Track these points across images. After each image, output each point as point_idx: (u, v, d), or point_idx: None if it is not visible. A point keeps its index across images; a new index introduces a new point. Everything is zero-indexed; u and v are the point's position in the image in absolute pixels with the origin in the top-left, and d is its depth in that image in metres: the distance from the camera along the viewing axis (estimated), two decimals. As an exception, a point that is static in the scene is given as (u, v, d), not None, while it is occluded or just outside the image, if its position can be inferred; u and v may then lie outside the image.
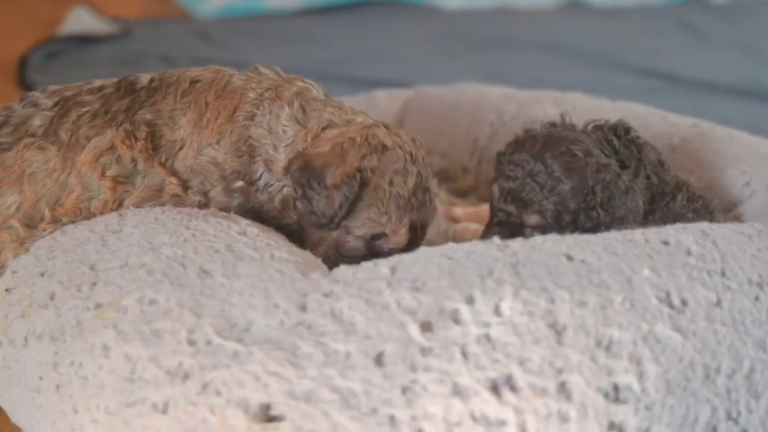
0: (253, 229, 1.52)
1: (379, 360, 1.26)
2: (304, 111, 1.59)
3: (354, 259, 1.50)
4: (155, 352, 1.32)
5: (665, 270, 1.35)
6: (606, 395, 1.26)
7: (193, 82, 1.61)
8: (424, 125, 2.26)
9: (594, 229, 1.60)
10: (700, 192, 1.77)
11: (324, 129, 1.58)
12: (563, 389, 1.26)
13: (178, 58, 3.64)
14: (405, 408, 1.24)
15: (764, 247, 1.44)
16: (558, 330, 1.28)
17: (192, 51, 3.71)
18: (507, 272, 1.33)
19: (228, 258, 1.43)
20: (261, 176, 1.60)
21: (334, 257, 1.56)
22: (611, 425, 1.26)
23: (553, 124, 1.73)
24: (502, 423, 1.24)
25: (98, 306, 1.39)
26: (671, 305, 1.32)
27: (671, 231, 1.43)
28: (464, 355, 1.26)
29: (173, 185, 1.58)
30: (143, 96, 1.60)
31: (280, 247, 1.47)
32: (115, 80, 1.64)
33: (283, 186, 1.59)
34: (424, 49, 3.83)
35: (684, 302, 1.33)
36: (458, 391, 1.25)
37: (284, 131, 1.59)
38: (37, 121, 1.58)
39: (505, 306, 1.29)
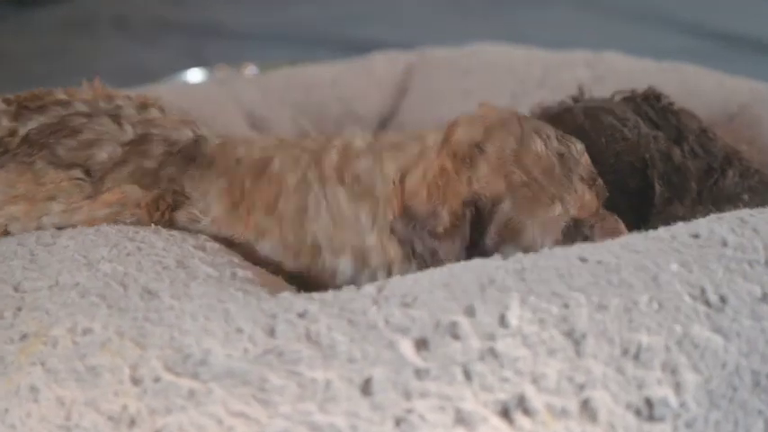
0: (213, 244, 1.43)
1: (366, 388, 1.16)
2: (360, 181, 1.46)
3: None
4: (92, 394, 1.21)
5: (697, 264, 1.25)
6: (638, 412, 1.15)
7: (239, 160, 1.52)
8: (430, 95, 2.13)
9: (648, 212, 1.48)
10: (759, 166, 1.65)
11: (402, 179, 1.43)
12: (586, 408, 1.15)
13: (134, 21, 3.49)
14: (400, 443, 1.14)
15: (819, 230, 1.35)
16: (575, 339, 1.18)
17: (151, 12, 3.56)
18: (511, 278, 1.23)
19: (179, 276, 1.34)
20: (338, 271, 1.47)
21: None
22: (646, 447, 1.16)
23: (574, 99, 1.59)
24: (517, 453, 1.14)
25: (23, 337, 1.30)
26: (707, 303, 1.22)
27: (701, 223, 1.33)
28: (467, 375, 1.15)
29: None
30: (194, 165, 1.53)
31: (243, 265, 1.38)
32: (192, 136, 1.57)
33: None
34: (431, 5, 3.64)
35: (723, 299, 1.23)
36: (462, 419, 1.14)
37: (357, 218, 1.46)
38: (103, 155, 1.52)
39: (512, 315, 1.19)
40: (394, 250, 1.44)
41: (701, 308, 1.21)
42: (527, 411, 1.13)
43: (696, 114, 1.66)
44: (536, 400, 1.14)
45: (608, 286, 1.21)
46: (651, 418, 1.15)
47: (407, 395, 1.14)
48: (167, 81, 2.66)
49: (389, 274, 1.44)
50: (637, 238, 1.30)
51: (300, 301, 1.25)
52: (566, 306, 1.19)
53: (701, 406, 1.16)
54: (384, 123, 2.15)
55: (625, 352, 1.17)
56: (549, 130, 1.42)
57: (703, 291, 1.22)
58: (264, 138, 1.60)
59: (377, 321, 1.19)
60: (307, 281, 1.47)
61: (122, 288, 1.32)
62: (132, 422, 1.18)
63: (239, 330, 1.21)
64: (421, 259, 1.40)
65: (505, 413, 1.13)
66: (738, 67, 2.23)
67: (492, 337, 1.17)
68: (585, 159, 1.42)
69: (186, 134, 1.56)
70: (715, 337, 1.19)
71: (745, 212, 1.36)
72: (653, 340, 1.17)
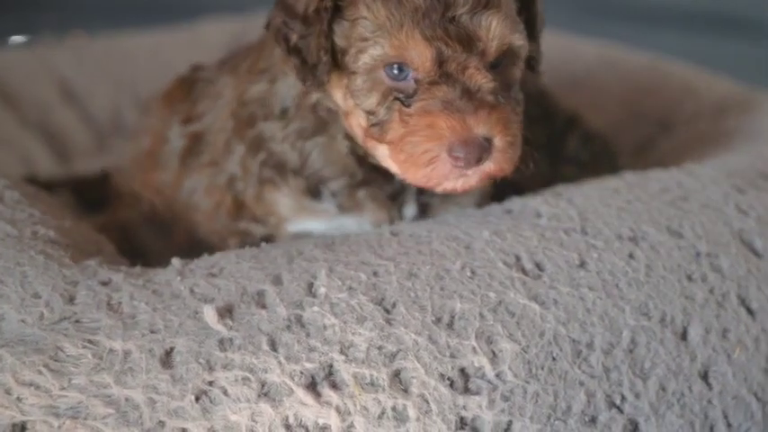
0: (12, 193, 1.37)
1: (166, 360, 1.13)
2: None
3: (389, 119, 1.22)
4: None
5: (511, 233, 1.25)
6: (452, 384, 1.14)
7: None
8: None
9: None
10: (606, 130, 1.65)
11: None
12: (397, 380, 1.13)
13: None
14: (200, 418, 1.10)
15: (636, 198, 1.34)
16: (386, 307, 1.16)
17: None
18: (320, 250, 1.23)
19: (-26, 234, 1.28)
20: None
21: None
22: (462, 422, 1.14)
23: None
24: (323, 430, 1.11)
25: None
26: (523, 270, 1.22)
27: (514, 200, 1.34)
28: (273, 344, 1.13)
29: None
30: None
31: (46, 222, 1.33)
32: None
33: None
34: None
35: (540, 266, 1.22)
36: (266, 393, 1.12)
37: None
38: None
39: (319, 284, 1.18)
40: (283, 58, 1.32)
41: (516, 275, 1.20)
42: (335, 384, 1.11)
43: (536, 77, 1.64)
44: (345, 371, 1.12)
45: (418, 255, 1.21)
46: (466, 390, 1.13)
47: (209, 367, 1.11)
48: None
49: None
50: (448, 216, 1.30)
51: (105, 270, 1.22)
52: (375, 274, 1.18)
53: (519, 377, 1.15)
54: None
55: (438, 320, 1.15)
56: None
57: (518, 258, 1.22)
58: None
59: (181, 291, 1.17)
60: None
61: None
62: None
63: (36, 295, 1.17)
64: (298, 56, 1.26)
65: (312, 386, 1.11)
66: (591, 31, 2.19)
67: (299, 305, 1.15)
68: None
69: None
70: (531, 304, 1.18)
71: (560, 188, 1.36)
72: (466, 308, 1.16)
